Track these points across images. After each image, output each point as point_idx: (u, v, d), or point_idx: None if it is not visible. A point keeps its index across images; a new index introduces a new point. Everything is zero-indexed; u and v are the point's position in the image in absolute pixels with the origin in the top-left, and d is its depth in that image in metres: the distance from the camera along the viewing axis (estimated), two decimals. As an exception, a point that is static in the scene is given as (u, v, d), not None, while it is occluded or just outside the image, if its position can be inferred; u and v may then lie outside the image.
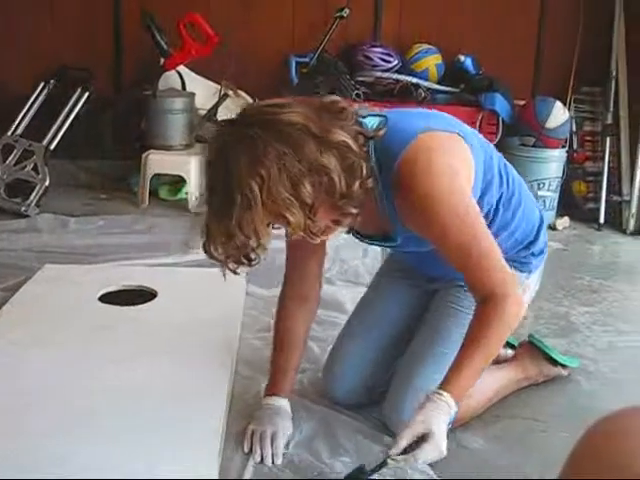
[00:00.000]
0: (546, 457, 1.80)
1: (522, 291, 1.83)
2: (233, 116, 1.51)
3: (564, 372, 2.22)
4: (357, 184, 1.48)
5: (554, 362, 2.18)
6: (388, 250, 2.16)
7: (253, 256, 1.53)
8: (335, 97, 1.57)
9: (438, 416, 1.53)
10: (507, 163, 1.83)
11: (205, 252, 1.51)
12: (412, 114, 1.77)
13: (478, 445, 1.87)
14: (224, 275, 1.56)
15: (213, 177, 1.48)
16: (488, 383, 1.95)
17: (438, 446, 1.51)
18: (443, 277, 1.91)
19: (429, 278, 1.99)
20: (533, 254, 1.91)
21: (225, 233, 1.44)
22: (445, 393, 1.56)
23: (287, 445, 1.77)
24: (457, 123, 1.72)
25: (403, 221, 1.63)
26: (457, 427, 1.89)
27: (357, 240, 1.82)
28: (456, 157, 1.61)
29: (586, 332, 2.61)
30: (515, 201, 1.80)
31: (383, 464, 1.56)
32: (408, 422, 1.55)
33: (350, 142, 1.47)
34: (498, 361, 2.07)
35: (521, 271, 1.88)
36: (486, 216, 1.69)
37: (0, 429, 1.71)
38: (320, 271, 1.91)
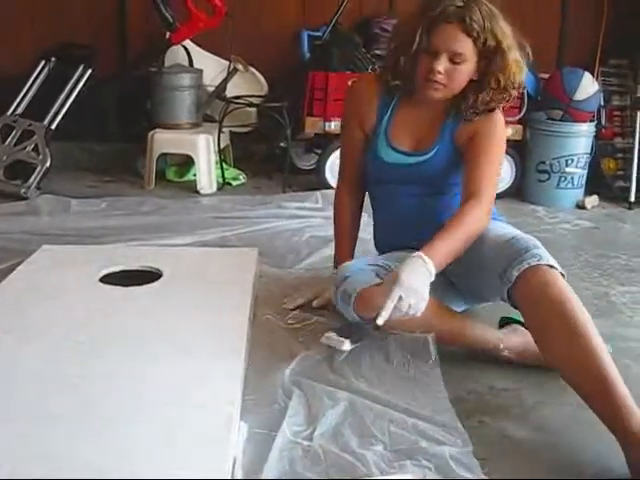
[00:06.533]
0: (598, 446, 1.60)
1: None
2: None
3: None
4: None
5: None
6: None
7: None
8: None
9: (420, 279, 1.75)
10: None
11: None
12: None
13: (523, 435, 1.67)
14: None
15: None
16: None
17: (420, 300, 1.74)
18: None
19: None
20: None
21: None
22: (427, 259, 1.77)
23: (310, 436, 1.57)
24: None
25: (456, 134, 2.08)
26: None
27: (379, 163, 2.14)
28: None
29: (628, 312, 2.42)
30: None
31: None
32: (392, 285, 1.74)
33: None
34: None
35: None
36: None
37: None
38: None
